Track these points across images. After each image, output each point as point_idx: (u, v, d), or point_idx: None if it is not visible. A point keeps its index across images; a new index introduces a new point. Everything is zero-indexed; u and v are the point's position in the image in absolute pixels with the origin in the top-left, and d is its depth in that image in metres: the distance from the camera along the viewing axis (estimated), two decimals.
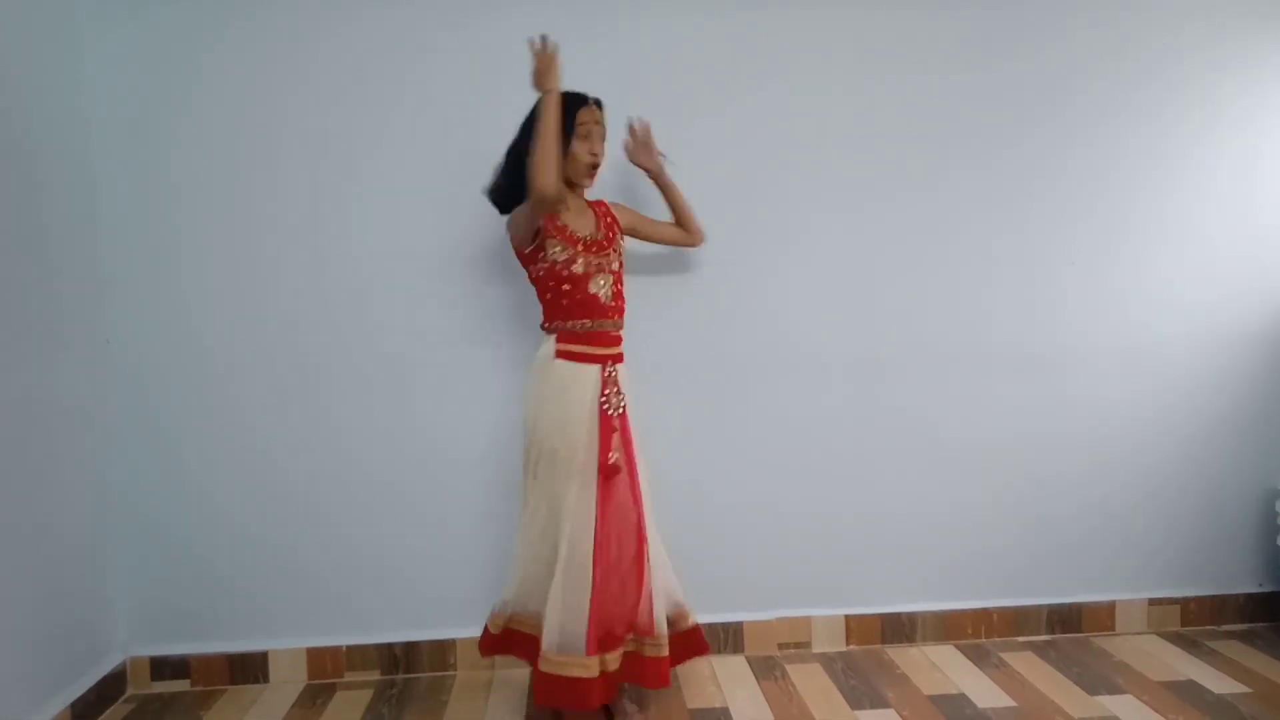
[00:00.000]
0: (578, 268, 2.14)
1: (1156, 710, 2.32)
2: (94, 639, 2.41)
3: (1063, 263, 2.74)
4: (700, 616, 2.64)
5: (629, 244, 2.36)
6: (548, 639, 2.08)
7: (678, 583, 2.31)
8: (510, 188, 2.16)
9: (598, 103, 2.19)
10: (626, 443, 2.21)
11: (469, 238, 2.52)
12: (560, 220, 2.16)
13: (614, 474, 2.15)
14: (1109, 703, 2.36)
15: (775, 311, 2.66)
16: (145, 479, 2.50)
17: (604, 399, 2.16)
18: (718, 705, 2.37)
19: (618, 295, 2.23)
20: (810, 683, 2.51)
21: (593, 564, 2.10)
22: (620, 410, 2.19)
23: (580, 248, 2.16)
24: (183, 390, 2.50)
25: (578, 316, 2.17)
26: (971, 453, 2.75)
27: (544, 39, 2.05)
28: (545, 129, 2.00)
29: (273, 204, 2.49)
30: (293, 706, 2.43)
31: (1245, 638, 2.78)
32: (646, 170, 2.39)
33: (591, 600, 2.08)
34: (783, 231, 2.66)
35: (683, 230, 2.45)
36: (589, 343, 2.18)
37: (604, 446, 2.13)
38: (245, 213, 2.49)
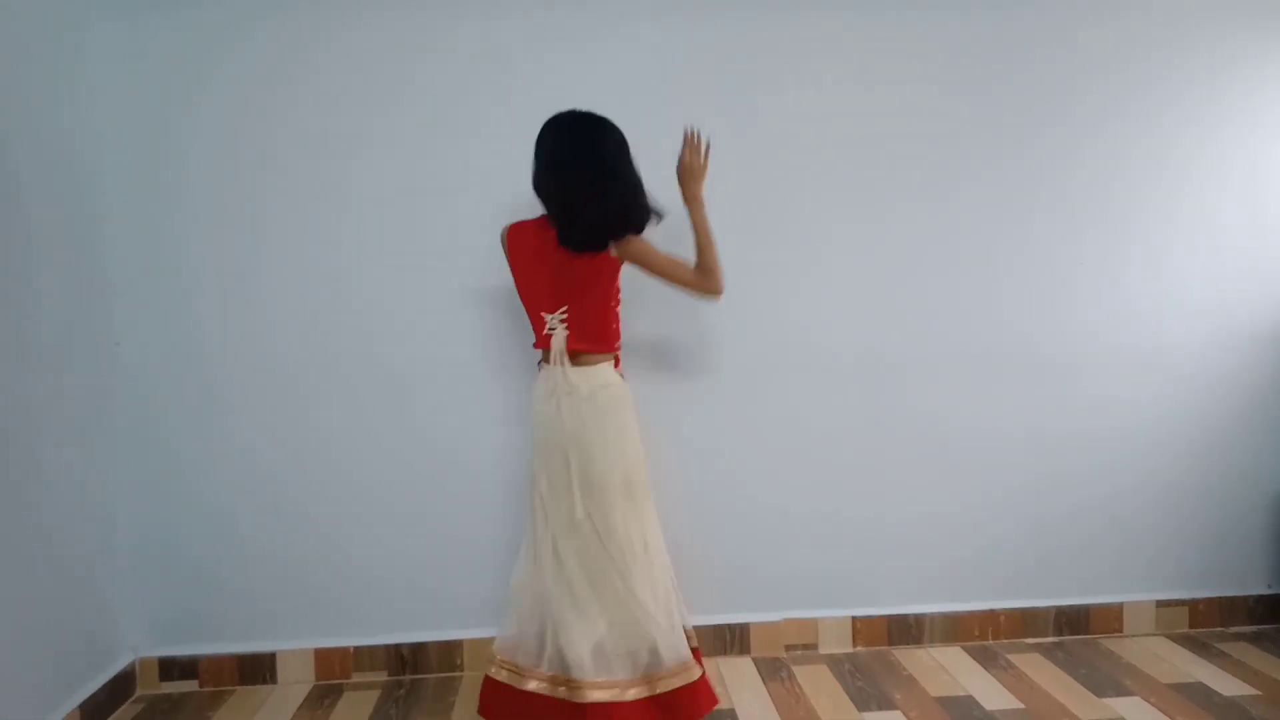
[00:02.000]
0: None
1: (1165, 712, 2.31)
2: (103, 640, 2.42)
3: (1073, 264, 2.74)
4: (707, 617, 2.67)
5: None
6: (665, 660, 2.08)
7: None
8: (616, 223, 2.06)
9: None
10: None
11: (474, 245, 2.52)
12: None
13: None
14: (1117, 705, 2.36)
15: (784, 314, 2.66)
16: (154, 482, 2.51)
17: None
18: (724, 707, 2.37)
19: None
20: (817, 684, 2.50)
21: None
22: None
23: None
24: (190, 395, 2.51)
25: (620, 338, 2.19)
26: (979, 454, 2.75)
27: (698, 134, 2.12)
28: (710, 237, 2.13)
29: (278, 211, 2.50)
30: (300, 707, 2.44)
31: (1254, 640, 2.77)
32: (687, 194, 2.17)
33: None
34: (793, 236, 2.65)
35: (698, 274, 2.17)
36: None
37: None
38: (250, 220, 2.50)
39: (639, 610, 2.07)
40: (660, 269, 2.12)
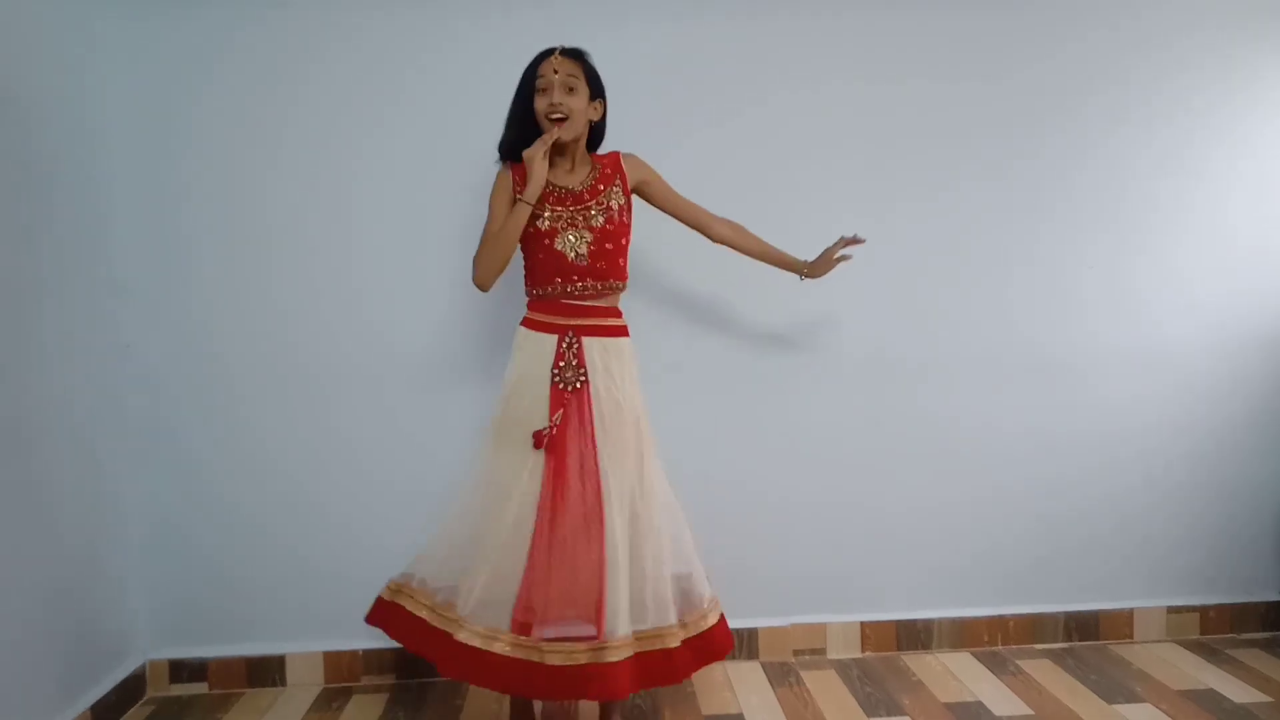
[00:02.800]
0: (542, 222, 2.04)
1: (1175, 719, 2.30)
2: (113, 642, 2.43)
3: (1081, 267, 2.73)
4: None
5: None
6: (462, 608, 1.99)
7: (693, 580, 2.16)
8: (503, 152, 2.11)
9: (568, 50, 2.05)
10: (584, 426, 2.04)
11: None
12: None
13: (538, 444, 1.99)
14: (1127, 711, 2.35)
15: (789, 316, 2.66)
16: (163, 484, 2.52)
17: (555, 372, 2.04)
18: (733, 712, 2.37)
19: (598, 256, 2.05)
20: (826, 689, 2.50)
21: (530, 545, 1.98)
22: (576, 386, 2.04)
23: (550, 201, 2.05)
24: (199, 396, 2.52)
25: (541, 282, 2.07)
26: (988, 457, 2.74)
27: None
28: (505, 231, 2.01)
29: (285, 208, 2.51)
30: (309, 709, 2.45)
31: (1266, 646, 2.75)
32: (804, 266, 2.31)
33: (523, 579, 1.98)
34: (799, 238, 2.64)
35: (739, 235, 2.29)
36: (548, 310, 2.08)
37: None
38: (258, 217, 2.51)
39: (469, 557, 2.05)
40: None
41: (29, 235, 2.14)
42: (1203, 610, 2.83)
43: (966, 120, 2.67)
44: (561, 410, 2.02)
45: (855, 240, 2.28)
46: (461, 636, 1.98)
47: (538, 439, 2.00)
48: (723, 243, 2.29)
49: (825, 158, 2.64)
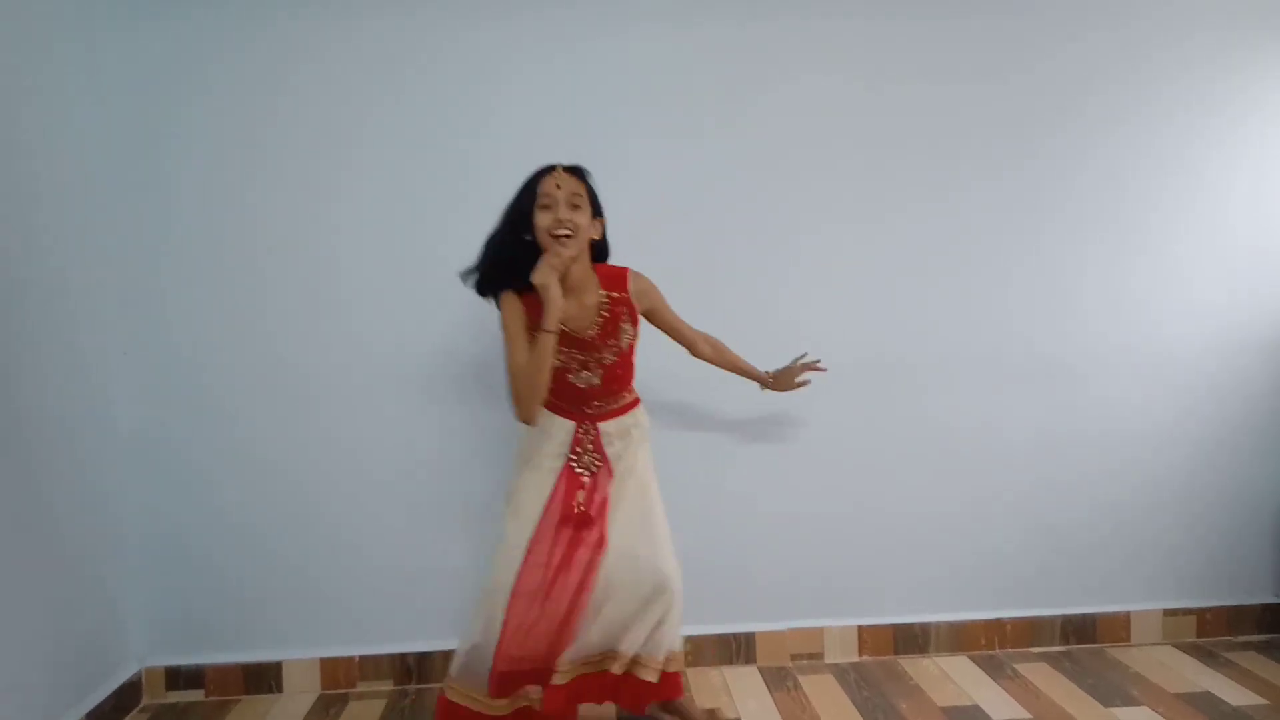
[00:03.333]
0: (555, 361, 2.02)
1: None
2: (109, 650, 2.43)
3: (1080, 268, 2.73)
4: (712, 627, 2.67)
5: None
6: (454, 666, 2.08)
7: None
8: (488, 277, 2.04)
9: (570, 168, 2.02)
10: (598, 502, 2.09)
11: (471, 245, 2.53)
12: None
13: (567, 521, 2.06)
14: (1124, 714, 2.35)
15: (788, 320, 2.65)
16: (160, 492, 2.51)
17: (574, 458, 2.09)
18: (730, 717, 2.37)
19: (611, 382, 2.11)
20: (823, 694, 2.50)
21: (507, 608, 2.03)
22: (593, 470, 2.10)
23: (562, 344, 2.03)
24: (195, 403, 2.51)
25: (555, 395, 2.09)
26: (985, 460, 2.74)
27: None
28: (537, 365, 1.95)
29: (278, 214, 2.50)
30: (306, 716, 2.44)
31: (1263, 649, 2.75)
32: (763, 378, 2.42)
33: (500, 642, 2.03)
34: (796, 241, 2.65)
35: (716, 352, 2.37)
36: (566, 407, 2.12)
37: (566, 497, 2.07)
38: (251, 223, 2.49)
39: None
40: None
41: (23, 242, 2.12)
42: (1200, 613, 2.83)
43: (966, 121, 2.67)
44: (582, 490, 2.08)
45: (816, 366, 2.39)
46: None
47: (566, 516, 2.06)
48: (704, 359, 2.35)
49: (825, 158, 2.64)
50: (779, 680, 2.59)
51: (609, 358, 2.09)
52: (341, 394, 2.55)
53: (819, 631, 2.72)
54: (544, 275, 1.94)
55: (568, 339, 2.04)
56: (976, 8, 2.65)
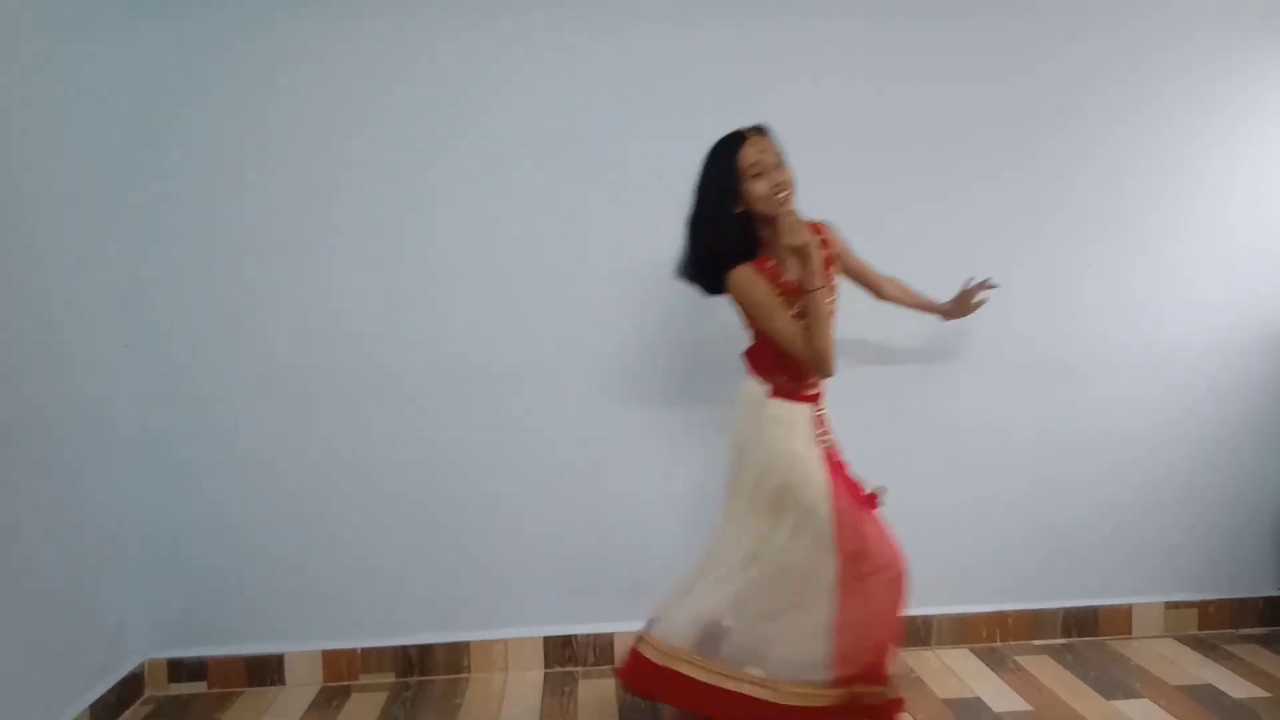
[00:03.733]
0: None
1: (1174, 715, 2.30)
2: (112, 642, 2.43)
3: (1081, 267, 2.73)
4: None
5: None
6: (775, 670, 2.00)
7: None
8: (703, 263, 2.03)
9: (755, 129, 2.01)
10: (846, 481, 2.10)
11: (467, 247, 2.54)
12: (783, 277, 1.98)
13: (874, 504, 2.08)
14: (1126, 707, 2.35)
15: None
16: (161, 483, 2.52)
17: (821, 438, 2.08)
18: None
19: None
20: None
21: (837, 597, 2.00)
22: (831, 449, 2.12)
23: (793, 297, 1.97)
24: (195, 401, 2.51)
25: (792, 374, 2.03)
26: (987, 456, 2.74)
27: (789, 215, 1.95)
28: (819, 318, 1.90)
29: (275, 215, 2.50)
30: (309, 708, 2.45)
31: (1265, 642, 2.75)
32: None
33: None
34: None
35: (901, 291, 2.39)
36: (796, 386, 2.07)
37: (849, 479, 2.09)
38: (248, 223, 2.50)
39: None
40: (756, 323, 2.03)
41: (23, 241, 2.13)
42: (1201, 606, 2.83)
43: (967, 121, 2.67)
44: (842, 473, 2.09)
45: (988, 284, 2.40)
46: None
47: (874, 500, 2.07)
48: (890, 300, 2.39)
49: (825, 158, 2.63)
50: None
51: (830, 305, 2.04)
52: (339, 391, 2.54)
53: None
54: (802, 233, 1.91)
55: (796, 295, 1.97)
56: (976, 8, 2.65)
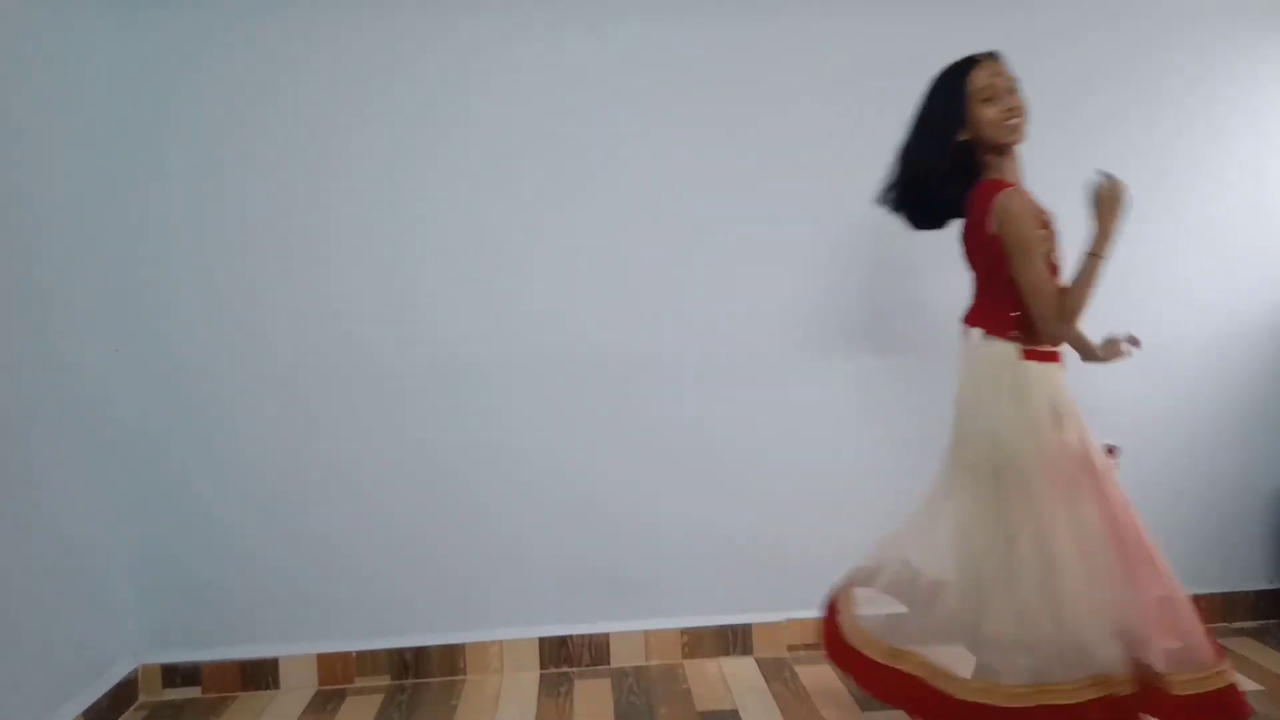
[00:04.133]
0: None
1: None
2: (105, 646, 2.42)
3: (1076, 266, 2.73)
4: (709, 618, 2.67)
5: None
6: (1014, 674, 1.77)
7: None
8: (911, 190, 1.94)
9: (988, 54, 1.87)
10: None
11: (465, 246, 2.53)
12: (1045, 216, 1.84)
13: (1113, 453, 1.94)
14: None
15: (780, 316, 2.65)
16: (154, 487, 2.50)
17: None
18: (727, 708, 2.37)
19: None
20: (820, 684, 2.50)
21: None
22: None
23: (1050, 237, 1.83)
24: (191, 400, 2.49)
25: (1027, 332, 1.87)
26: None
27: (1109, 177, 1.80)
28: (1091, 284, 1.79)
29: (268, 216, 2.49)
30: (304, 712, 2.44)
31: (1257, 635, 2.77)
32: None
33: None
34: (797, 238, 2.64)
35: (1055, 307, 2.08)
36: (1044, 346, 1.90)
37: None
38: (240, 225, 2.48)
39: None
40: (1012, 261, 1.81)
41: (16, 242, 2.11)
42: (1193, 599, 2.83)
43: None
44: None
45: (1135, 342, 2.19)
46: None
47: (1113, 451, 1.90)
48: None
49: (825, 158, 2.63)
50: (776, 671, 2.59)
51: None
52: (331, 394, 2.53)
53: (816, 622, 2.72)
54: (1116, 194, 1.81)
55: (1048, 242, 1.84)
56: (977, 8, 2.64)
